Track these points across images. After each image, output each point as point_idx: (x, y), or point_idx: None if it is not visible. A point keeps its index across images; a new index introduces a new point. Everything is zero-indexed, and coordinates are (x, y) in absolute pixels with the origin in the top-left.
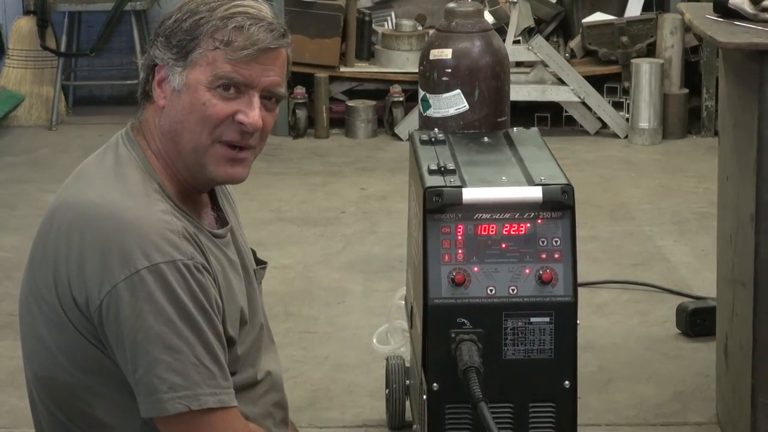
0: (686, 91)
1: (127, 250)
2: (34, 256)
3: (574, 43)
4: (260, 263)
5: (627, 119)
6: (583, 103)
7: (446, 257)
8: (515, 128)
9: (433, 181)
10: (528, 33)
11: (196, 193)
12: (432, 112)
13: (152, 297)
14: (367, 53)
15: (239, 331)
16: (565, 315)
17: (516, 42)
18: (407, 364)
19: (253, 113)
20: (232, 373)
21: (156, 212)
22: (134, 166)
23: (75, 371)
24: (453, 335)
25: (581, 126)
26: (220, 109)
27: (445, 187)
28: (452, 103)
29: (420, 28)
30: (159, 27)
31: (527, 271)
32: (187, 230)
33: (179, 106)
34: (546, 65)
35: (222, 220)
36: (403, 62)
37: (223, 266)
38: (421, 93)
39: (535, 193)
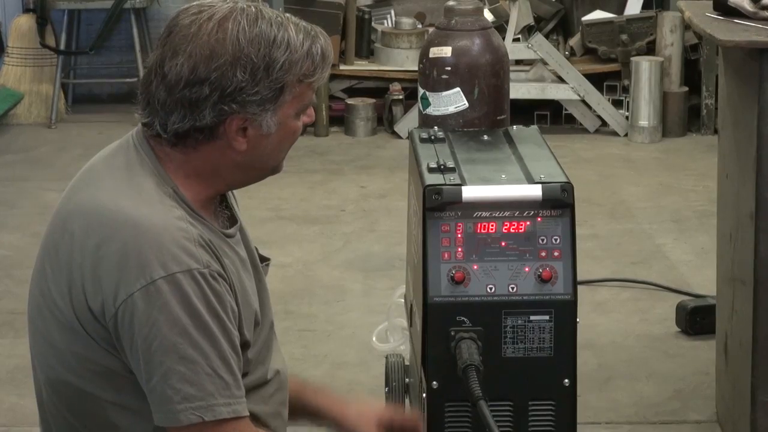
0: (686, 89)
1: (144, 260)
2: (44, 260)
3: (574, 41)
4: (263, 260)
5: (627, 117)
6: (583, 101)
7: (446, 255)
8: (515, 126)
9: (432, 179)
10: (528, 31)
11: (220, 194)
12: (431, 110)
13: (168, 307)
14: (366, 51)
15: (253, 332)
16: (564, 313)
17: (516, 40)
18: (407, 363)
19: (311, 111)
20: (244, 374)
21: (172, 219)
22: (147, 171)
23: (88, 375)
24: (453, 333)
25: (581, 124)
26: (301, 125)
27: (445, 185)
28: (452, 101)
29: (419, 26)
30: (212, 82)
31: (527, 269)
32: (202, 237)
33: (268, 144)
34: (546, 63)
35: (232, 218)
36: (403, 60)
37: (237, 268)
38: (421, 91)
39: (534, 191)
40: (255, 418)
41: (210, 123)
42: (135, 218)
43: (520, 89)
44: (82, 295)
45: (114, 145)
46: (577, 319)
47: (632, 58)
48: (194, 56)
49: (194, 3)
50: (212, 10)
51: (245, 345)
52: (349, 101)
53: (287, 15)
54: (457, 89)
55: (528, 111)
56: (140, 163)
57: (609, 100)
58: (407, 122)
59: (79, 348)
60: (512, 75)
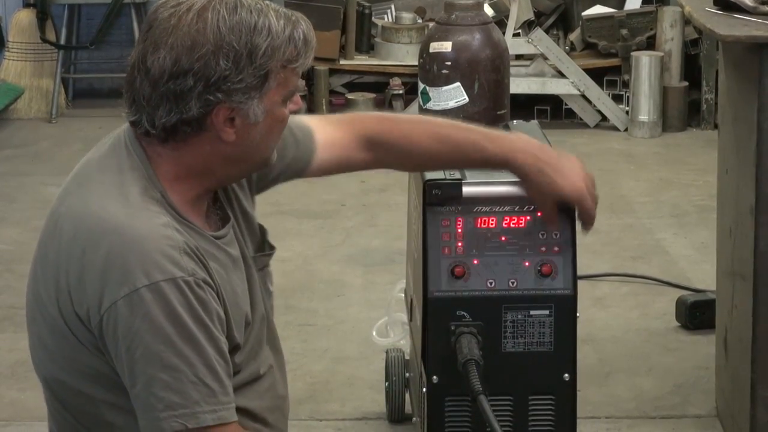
0: (686, 83)
1: (128, 268)
2: (37, 262)
3: (574, 35)
4: (270, 248)
5: (627, 112)
6: (583, 96)
7: (446, 250)
8: (515, 121)
9: (432, 174)
10: (528, 26)
11: (212, 192)
12: (432, 105)
13: (150, 316)
14: (366, 46)
15: (244, 333)
16: (564, 308)
17: (516, 35)
18: (407, 357)
19: (298, 98)
20: (236, 372)
21: (157, 227)
22: (136, 174)
23: (80, 377)
24: (453, 328)
25: (581, 119)
26: (288, 113)
27: (445, 180)
28: (452, 96)
29: (420, 20)
30: (196, 72)
31: (527, 263)
32: (188, 244)
33: (256, 133)
34: (546, 58)
35: (225, 217)
36: (403, 55)
37: (226, 270)
38: (421, 86)
39: None
40: (251, 414)
41: (197, 114)
42: (120, 226)
43: (520, 84)
44: (68, 300)
45: (108, 144)
46: (577, 314)
47: (632, 53)
48: (176, 48)
49: None
50: (190, 2)
51: (235, 348)
52: (350, 96)
53: (267, 2)
54: (458, 84)
55: (528, 106)
56: (131, 165)
57: (609, 95)
58: None
59: (69, 351)
60: (512, 70)
